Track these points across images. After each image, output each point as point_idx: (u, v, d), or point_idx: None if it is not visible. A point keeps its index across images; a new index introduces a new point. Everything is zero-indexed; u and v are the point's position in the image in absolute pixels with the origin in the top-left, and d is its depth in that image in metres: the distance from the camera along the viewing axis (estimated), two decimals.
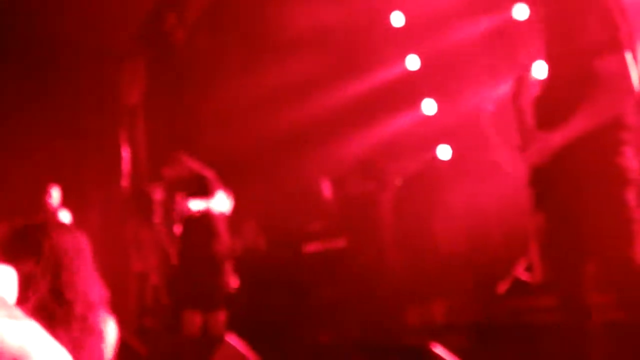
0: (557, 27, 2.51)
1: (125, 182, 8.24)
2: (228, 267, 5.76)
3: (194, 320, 5.53)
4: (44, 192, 6.77)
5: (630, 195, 2.43)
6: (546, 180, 2.55)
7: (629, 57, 2.40)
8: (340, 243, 6.53)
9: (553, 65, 2.56)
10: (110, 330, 1.76)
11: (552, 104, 2.51)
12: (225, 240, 5.70)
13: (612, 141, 2.45)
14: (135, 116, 8.85)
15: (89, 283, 1.71)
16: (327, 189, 7.60)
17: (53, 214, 6.66)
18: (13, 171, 7.08)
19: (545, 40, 2.58)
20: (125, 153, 8.49)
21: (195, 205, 5.37)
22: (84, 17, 7.23)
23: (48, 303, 1.61)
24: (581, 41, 2.42)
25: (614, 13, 2.41)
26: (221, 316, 5.56)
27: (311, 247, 6.80)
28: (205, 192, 5.53)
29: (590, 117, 2.40)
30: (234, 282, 6.42)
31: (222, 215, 5.76)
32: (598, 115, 2.41)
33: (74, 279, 1.67)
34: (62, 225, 1.79)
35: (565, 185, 2.49)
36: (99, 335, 1.70)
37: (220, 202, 5.59)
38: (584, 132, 2.40)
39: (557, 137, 2.44)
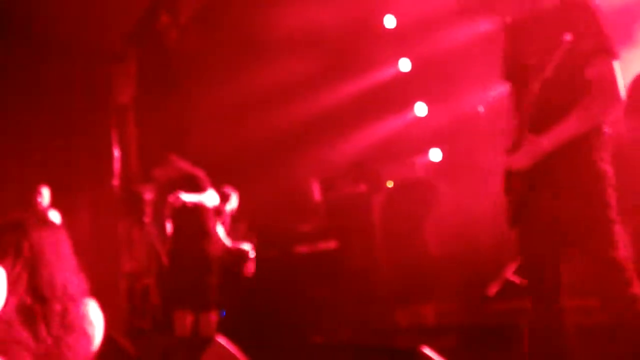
0: (547, 35, 2.53)
1: (116, 182, 8.22)
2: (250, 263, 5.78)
3: (184, 320, 5.52)
4: (34, 192, 6.74)
5: (610, 197, 2.50)
6: (528, 182, 2.59)
7: (616, 65, 2.47)
8: (331, 244, 6.53)
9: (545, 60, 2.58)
10: (96, 320, 1.75)
11: (543, 109, 2.53)
12: (217, 240, 5.70)
13: (592, 145, 2.52)
14: (126, 116, 8.83)
15: (69, 278, 1.71)
16: (317, 191, 7.62)
17: (37, 212, 6.63)
18: (3, 170, 7.04)
19: (535, 46, 2.60)
20: (117, 153, 8.47)
21: (187, 197, 5.36)
22: (77, 16, 7.21)
23: (27, 301, 1.61)
24: (572, 48, 2.43)
25: (602, 22, 2.47)
26: (212, 316, 5.56)
27: (302, 248, 6.80)
28: (196, 189, 5.53)
29: (580, 122, 2.46)
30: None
31: (217, 211, 5.77)
32: (588, 120, 2.47)
33: (52, 276, 1.66)
34: (41, 221, 1.78)
35: (547, 187, 2.55)
36: (81, 330, 1.69)
37: (212, 199, 5.59)
38: (574, 135, 2.46)
39: (547, 141, 2.48)
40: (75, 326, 1.71)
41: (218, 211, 7.02)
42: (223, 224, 7.06)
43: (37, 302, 1.66)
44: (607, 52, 2.43)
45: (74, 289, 1.74)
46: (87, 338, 1.74)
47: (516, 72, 2.69)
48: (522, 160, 2.55)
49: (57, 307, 1.68)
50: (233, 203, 7.24)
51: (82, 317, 1.73)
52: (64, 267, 1.74)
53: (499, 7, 2.65)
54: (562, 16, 2.52)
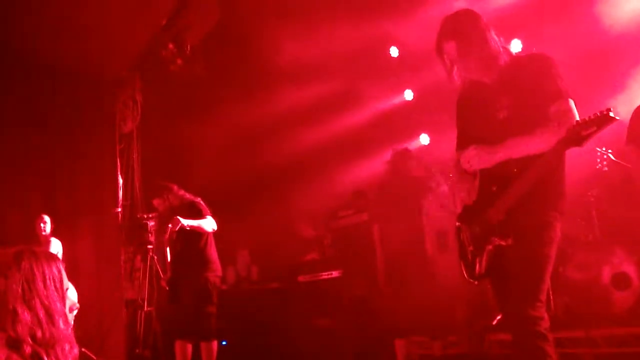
0: (519, 84, 2.82)
1: (119, 210, 8.22)
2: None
3: (185, 349, 5.49)
4: (37, 219, 6.75)
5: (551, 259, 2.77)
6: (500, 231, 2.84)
7: (572, 102, 2.75)
8: (334, 274, 6.51)
9: (517, 109, 2.83)
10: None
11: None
12: (216, 268, 5.68)
13: (551, 204, 2.79)
14: (130, 143, 8.86)
15: (64, 313, 1.72)
16: (319, 222, 7.65)
17: (40, 239, 6.64)
18: (6, 197, 7.05)
19: (510, 93, 2.85)
20: (120, 180, 8.48)
21: (185, 221, 5.39)
22: (82, 43, 7.27)
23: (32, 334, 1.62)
24: (537, 93, 2.76)
25: (559, 72, 2.78)
26: (213, 346, 5.52)
27: (305, 277, 6.77)
28: (196, 216, 5.55)
29: (542, 141, 2.68)
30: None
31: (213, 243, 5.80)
32: (548, 142, 2.66)
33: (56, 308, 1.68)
34: (41, 253, 1.77)
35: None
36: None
37: (210, 224, 5.60)
38: (532, 152, 2.70)
39: (504, 150, 2.76)
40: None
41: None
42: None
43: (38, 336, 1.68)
44: (564, 93, 2.72)
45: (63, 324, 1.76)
46: None
47: (488, 127, 2.88)
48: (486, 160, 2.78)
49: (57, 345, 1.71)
50: None
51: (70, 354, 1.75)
52: (57, 301, 1.77)
53: (468, 69, 2.89)
54: (525, 69, 2.82)
